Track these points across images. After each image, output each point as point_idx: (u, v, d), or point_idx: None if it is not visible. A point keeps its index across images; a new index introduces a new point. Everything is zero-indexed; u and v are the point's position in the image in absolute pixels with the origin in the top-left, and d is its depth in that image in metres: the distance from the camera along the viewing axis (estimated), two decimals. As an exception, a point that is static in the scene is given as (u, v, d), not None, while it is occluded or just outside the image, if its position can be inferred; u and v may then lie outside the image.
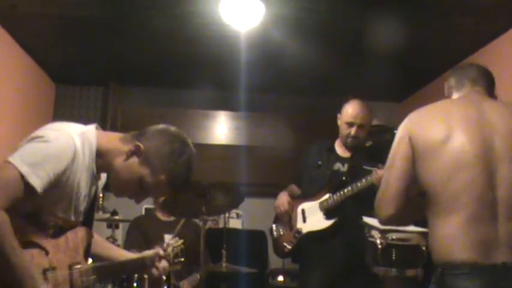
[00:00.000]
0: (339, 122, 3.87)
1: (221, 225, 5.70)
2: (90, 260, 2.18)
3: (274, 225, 4.04)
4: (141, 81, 6.15)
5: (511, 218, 1.98)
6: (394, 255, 3.34)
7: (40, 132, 1.86)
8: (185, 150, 2.06)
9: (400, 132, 2.22)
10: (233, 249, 4.00)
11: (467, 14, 4.03)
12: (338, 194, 3.69)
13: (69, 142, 1.85)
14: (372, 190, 3.45)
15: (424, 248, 3.29)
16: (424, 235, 3.33)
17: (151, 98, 6.30)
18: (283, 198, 3.98)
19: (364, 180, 3.56)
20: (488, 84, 2.40)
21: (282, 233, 3.97)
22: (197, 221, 3.92)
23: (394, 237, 3.35)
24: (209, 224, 4.65)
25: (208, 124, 6.46)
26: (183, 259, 2.59)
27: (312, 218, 3.81)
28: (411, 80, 5.66)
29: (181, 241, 2.61)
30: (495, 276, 1.94)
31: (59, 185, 1.84)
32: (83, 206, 2.01)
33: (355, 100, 3.87)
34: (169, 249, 2.50)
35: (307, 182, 3.98)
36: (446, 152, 2.06)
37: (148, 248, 3.49)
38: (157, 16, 4.31)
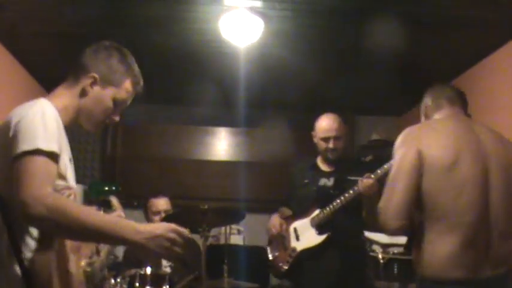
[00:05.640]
0: (315, 140, 3.90)
1: (222, 242, 5.68)
2: None
3: (268, 248, 4.02)
4: (141, 98, 6.12)
5: (500, 240, 2.16)
6: (396, 269, 3.34)
7: (16, 116, 1.79)
8: (121, 49, 2.11)
9: (405, 145, 2.30)
10: (234, 265, 3.98)
11: (466, 27, 4.05)
12: (328, 208, 3.68)
13: (47, 108, 1.83)
14: (359, 200, 3.54)
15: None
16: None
17: (151, 115, 6.31)
18: (274, 220, 3.98)
19: (351, 191, 3.56)
20: (463, 104, 2.51)
21: (277, 254, 3.95)
22: (198, 237, 3.91)
23: (395, 252, 3.35)
24: (210, 241, 4.64)
25: (208, 140, 6.46)
26: None
27: (305, 235, 3.80)
28: (411, 94, 5.65)
29: None
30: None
31: (60, 147, 1.81)
32: (71, 169, 1.99)
33: (325, 114, 3.90)
34: None
35: (296, 202, 3.98)
36: (454, 172, 2.17)
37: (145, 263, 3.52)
38: (157, 33, 4.34)
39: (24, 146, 1.70)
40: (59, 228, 1.69)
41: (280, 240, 3.93)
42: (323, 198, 3.76)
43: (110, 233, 1.72)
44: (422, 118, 2.59)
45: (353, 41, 4.44)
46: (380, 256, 3.33)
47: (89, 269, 1.96)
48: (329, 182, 3.85)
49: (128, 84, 2.08)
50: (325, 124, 3.83)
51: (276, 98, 5.93)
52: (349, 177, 3.70)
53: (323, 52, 4.74)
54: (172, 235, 1.78)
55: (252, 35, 4.15)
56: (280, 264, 3.87)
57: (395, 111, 6.29)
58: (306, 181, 3.91)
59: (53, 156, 1.73)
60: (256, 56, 4.64)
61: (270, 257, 3.98)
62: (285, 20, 4.09)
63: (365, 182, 3.46)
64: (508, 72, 4.23)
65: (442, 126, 2.38)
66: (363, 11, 3.95)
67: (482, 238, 2.13)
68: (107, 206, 3.25)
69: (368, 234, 3.46)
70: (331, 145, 3.79)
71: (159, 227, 1.79)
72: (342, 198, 3.61)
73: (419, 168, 2.22)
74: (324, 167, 3.93)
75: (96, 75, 2.00)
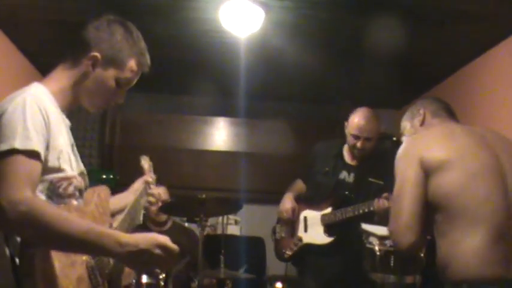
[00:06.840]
0: (346, 131, 3.74)
1: (219, 232, 5.69)
2: None
3: (277, 226, 4.03)
4: (140, 87, 6.09)
5: None
6: (392, 261, 3.33)
7: (1, 109, 1.70)
8: (126, 24, 1.97)
9: (406, 158, 2.24)
10: (231, 256, 3.99)
11: (466, 22, 4.04)
12: (340, 212, 3.66)
13: (29, 99, 1.71)
14: (373, 214, 3.49)
15: (422, 255, 3.29)
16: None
17: (150, 104, 6.31)
18: (287, 205, 3.92)
19: (365, 207, 3.51)
20: (455, 117, 2.54)
21: (283, 235, 3.96)
22: (195, 226, 3.92)
23: (392, 244, 3.35)
24: (207, 231, 4.65)
25: (207, 130, 6.46)
26: None
27: (313, 229, 3.79)
28: (411, 87, 5.66)
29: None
30: None
31: (49, 138, 1.71)
32: (74, 156, 1.87)
33: (361, 110, 3.70)
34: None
35: (312, 186, 3.94)
36: (462, 165, 2.14)
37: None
38: (157, 22, 4.32)
39: (0, 145, 1.60)
40: (33, 236, 1.59)
41: (289, 224, 3.93)
42: (338, 198, 3.73)
43: (90, 244, 1.60)
44: (417, 123, 2.54)
45: (354, 33, 4.43)
46: (377, 248, 3.32)
47: (92, 261, 1.84)
48: (349, 177, 3.79)
49: (132, 64, 1.92)
50: (357, 121, 3.64)
51: (276, 89, 5.93)
52: (371, 179, 3.64)
53: (324, 43, 4.73)
54: (157, 252, 1.65)
55: (252, 25, 4.14)
56: (284, 249, 3.89)
57: (395, 104, 6.28)
58: (326, 169, 3.82)
59: (33, 155, 1.63)
60: (256, 46, 4.62)
61: (277, 236, 3.99)
62: (286, 10, 4.07)
63: (381, 204, 3.40)
64: (508, 67, 4.22)
65: (441, 129, 2.37)
66: (364, 3, 3.94)
67: (507, 228, 2.05)
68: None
69: (364, 226, 3.46)
70: (359, 144, 3.66)
71: (145, 240, 1.66)
72: (356, 208, 3.55)
73: (423, 178, 2.16)
74: (348, 158, 3.83)
75: (97, 55, 1.85)
